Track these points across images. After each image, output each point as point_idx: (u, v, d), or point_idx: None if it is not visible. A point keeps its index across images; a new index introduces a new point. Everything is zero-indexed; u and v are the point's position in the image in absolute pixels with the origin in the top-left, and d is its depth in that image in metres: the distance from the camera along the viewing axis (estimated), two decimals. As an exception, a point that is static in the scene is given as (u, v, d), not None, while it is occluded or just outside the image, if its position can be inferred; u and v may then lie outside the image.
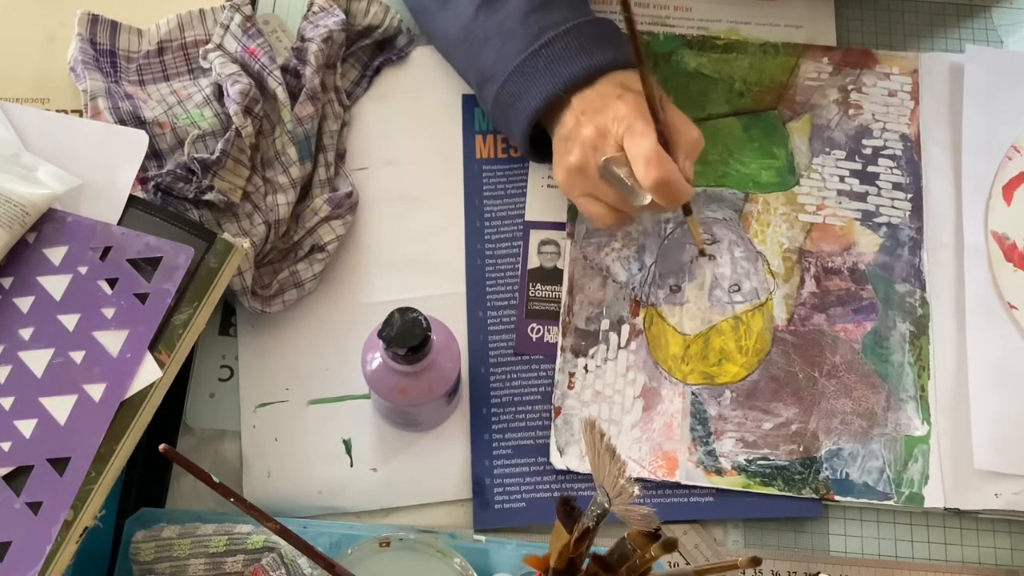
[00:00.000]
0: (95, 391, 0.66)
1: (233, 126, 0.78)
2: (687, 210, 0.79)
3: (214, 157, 0.77)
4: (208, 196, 0.77)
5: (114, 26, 0.84)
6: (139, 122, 0.79)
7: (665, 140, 0.72)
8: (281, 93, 0.80)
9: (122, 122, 0.79)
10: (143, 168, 0.75)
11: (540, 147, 0.80)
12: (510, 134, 0.81)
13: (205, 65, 0.83)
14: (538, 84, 0.76)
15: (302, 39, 0.85)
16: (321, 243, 0.80)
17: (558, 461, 0.77)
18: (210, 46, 0.83)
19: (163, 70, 0.85)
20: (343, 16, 0.85)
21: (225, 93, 0.80)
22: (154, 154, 0.80)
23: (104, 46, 0.84)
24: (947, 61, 0.89)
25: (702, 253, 0.82)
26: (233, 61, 0.82)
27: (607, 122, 0.73)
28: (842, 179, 0.85)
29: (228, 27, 0.83)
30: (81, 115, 0.81)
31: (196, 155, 0.77)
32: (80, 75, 0.82)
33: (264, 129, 0.81)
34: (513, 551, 0.72)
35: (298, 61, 0.83)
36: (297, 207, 0.80)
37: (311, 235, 0.80)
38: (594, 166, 0.74)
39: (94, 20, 0.84)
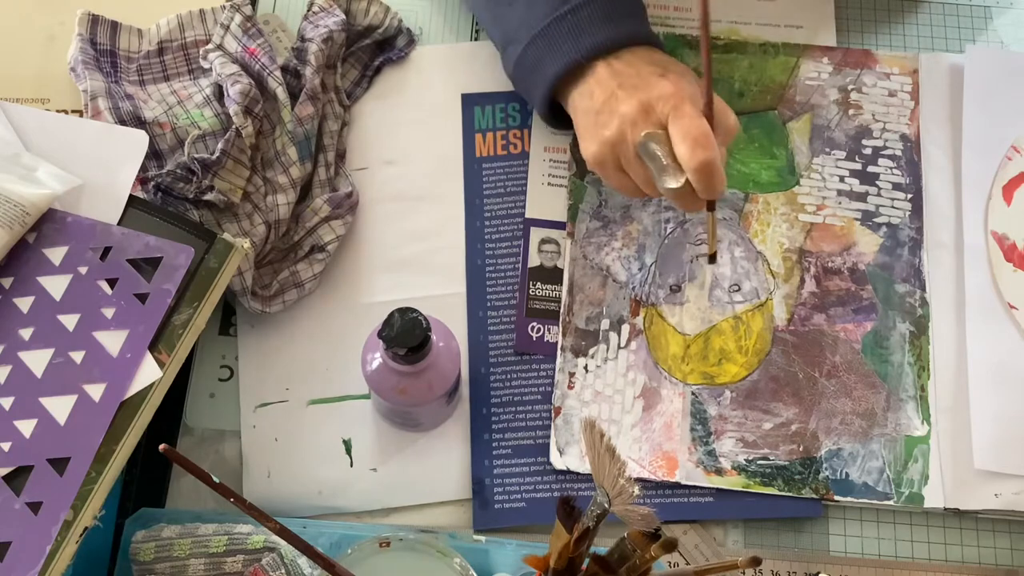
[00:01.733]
0: (95, 391, 0.66)
1: (233, 126, 0.78)
2: (711, 206, 0.74)
3: (214, 157, 0.77)
4: (208, 196, 0.77)
5: (114, 26, 0.84)
6: (139, 122, 0.79)
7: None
8: (281, 93, 0.80)
9: (122, 122, 0.79)
10: (143, 168, 0.75)
11: (557, 113, 0.80)
12: (530, 99, 0.81)
13: (205, 65, 0.83)
14: (561, 50, 0.75)
15: (302, 39, 0.85)
16: (321, 243, 0.80)
17: (558, 461, 0.77)
18: (210, 46, 0.83)
19: (163, 70, 0.85)
20: (343, 16, 0.85)
21: (225, 93, 0.80)
22: (154, 154, 0.80)
23: (104, 46, 0.84)
24: (947, 61, 0.89)
25: (712, 259, 0.76)
26: (233, 61, 0.82)
27: (652, 100, 0.72)
28: (842, 179, 0.85)
29: (228, 27, 0.83)
30: (81, 115, 0.81)
31: (196, 155, 0.77)
32: (80, 75, 0.82)
33: (264, 129, 0.81)
34: (513, 551, 0.72)
35: (298, 61, 0.83)
36: (297, 207, 0.80)
37: (311, 235, 0.80)
38: (631, 142, 0.72)
39: (94, 20, 0.84)
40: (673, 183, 0.71)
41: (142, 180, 0.77)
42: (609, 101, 0.74)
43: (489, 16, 0.82)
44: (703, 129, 0.69)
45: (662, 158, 0.71)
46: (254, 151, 0.80)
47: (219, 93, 0.82)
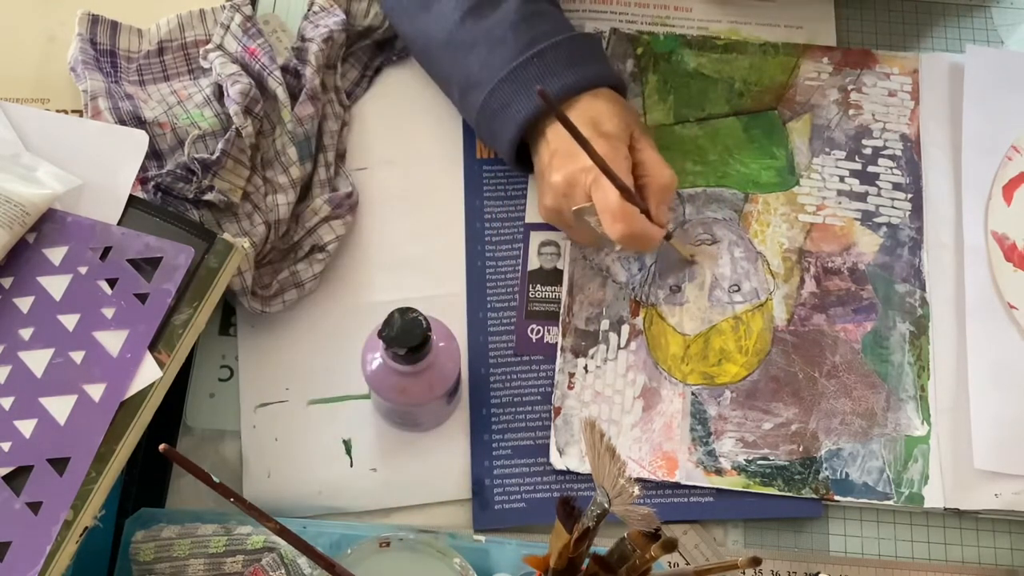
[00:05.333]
0: (95, 391, 0.66)
1: (233, 126, 0.78)
2: (667, 236, 0.78)
3: (214, 157, 0.77)
4: (208, 196, 0.77)
5: (114, 26, 0.84)
6: (139, 122, 0.79)
7: (637, 181, 0.73)
8: (281, 93, 0.80)
9: (122, 122, 0.79)
10: (143, 168, 0.75)
11: (522, 156, 0.81)
12: (495, 142, 0.80)
13: (205, 65, 0.83)
14: (529, 93, 0.76)
15: (302, 39, 0.85)
16: (321, 243, 0.80)
17: (558, 461, 0.77)
18: (210, 46, 0.83)
19: (163, 70, 0.85)
20: (343, 16, 0.85)
21: (225, 93, 0.80)
22: (154, 154, 0.80)
23: (104, 46, 0.84)
24: (947, 61, 0.89)
25: (691, 262, 0.82)
26: (233, 61, 0.82)
27: (576, 172, 0.74)
28: (842, 179, 0.85)
29: (228, 27, 0.83)
30: (81, 115, 0.81)
31: (196, 155, 0.77)
32: (80, 75, 0.82)
33: (264, 129, 0.81)
34: (513, 551, 0.72)
35: (298, 61, 0.83)
36: (297, 207, 0.80)
37: (311, 235, 0.80)
38: (567, 211, 0.75)
39: (94, 20, 0.84)
40: (616, 245, 0.77)
41: (142, 180, 0.77)
42: (547, 169, 0.76)
43: (447, 63, 0.80)
44: (616, 202, 0.71)
45: (595, 228, 0.75)
46: (254, 151, 0.80)
47: (219, 93, 0.82)
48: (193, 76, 0.85)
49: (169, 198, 0.77)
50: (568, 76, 0.76)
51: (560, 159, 0.75)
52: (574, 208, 0.74)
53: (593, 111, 0.76)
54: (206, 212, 0.78)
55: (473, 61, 0.78)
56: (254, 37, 0.82)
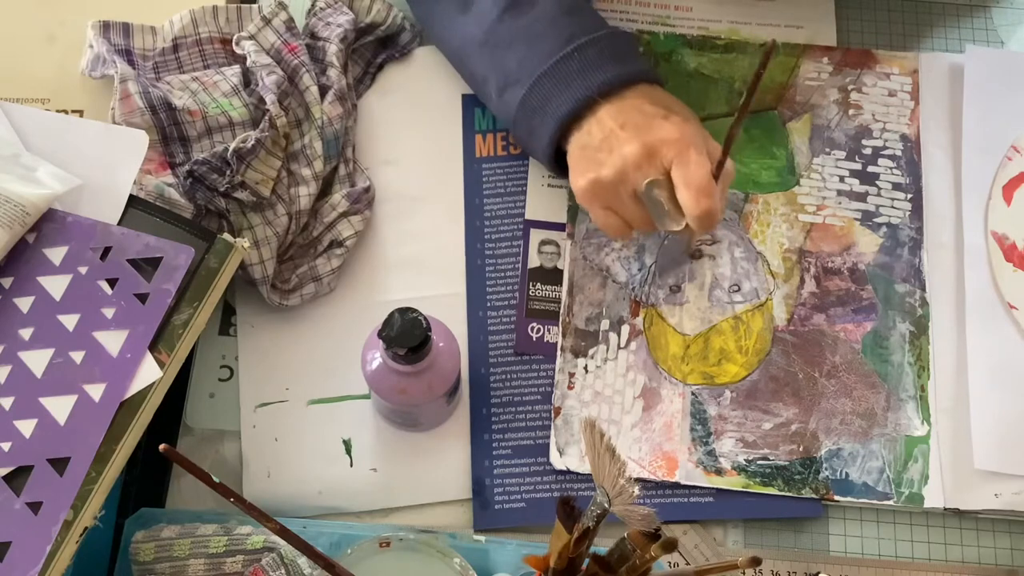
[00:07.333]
0: (95, 391, 0.66)
1: (268, 115, 0.78)
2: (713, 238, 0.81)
3: (249, 146, 0.76)
4: (238, 194, 0.77)
5: (126, 27, 0.83)
6: (169, 108, 0.78)
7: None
8: (314, 90, 0.81)
9: (152, 108, 0.78)
10: (169, 154, 0.75)
11: (558, 157, 0.79)
12: (532, 138, 0.78)
13: (239, 51, 0.83)
14: (570, 88, 0.75)
15: (312, 35, 0.85)
16: (340, 238, 0.80)
17: (558, 461, 0.77)
18: (244, 34, 0.83)
19: (179, 67, 0.84)
20: (353, 15, 0.85)
21: (260, 81, 0.80)
22: (181, 139, 0.79)
23: (120, 46, 0.83)
24: (947, 61, 0.89)
25: (696, 255, 0.82)
26: (267, 53, 0.81)
27: (656, 144, 0.72)
28: (842, 179, 0.85)
29: (270, 21, 0.83)
30: (81, 115, 0.81)
31: (229, 144, 0.77)
32: (109, 61, 0.81)
33: (290, 121, 0.81)
34: (513, 551, 0.72)
35: (314, 60, 0.83)
36: (316, 203, 0.80)
37: (330, 230, 0.80)
38: (630, 184, 0.73)
39: (105, 26, 0.83)
40: (675, 226, 0.73)
41: (170, 164, 0.76)
42: (608, 140, 0.73)
43: (484, 60, 0.79)
44: (707, 178, 0.71)
45: (664, 204, 0.72)
46: (287, 141, 0.80)
47: (246, 82, 0.82)
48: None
49: (199, 185, 0.77)
50: (610, 70, 0.75)
51: (632, 130, 0.73)
52: (647, 180, 0.72)
53: (657, 97, 0.76)
54: (232, 202, 0.78)
55: (511, 58, 0.77)
56: (297, 36, 0.83)
